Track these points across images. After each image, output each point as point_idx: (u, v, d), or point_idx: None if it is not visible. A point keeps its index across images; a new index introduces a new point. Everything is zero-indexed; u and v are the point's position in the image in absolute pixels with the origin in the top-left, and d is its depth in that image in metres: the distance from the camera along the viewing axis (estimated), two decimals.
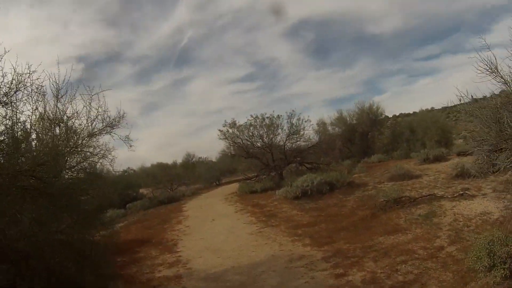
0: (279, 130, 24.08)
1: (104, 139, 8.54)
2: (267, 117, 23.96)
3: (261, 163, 24.30)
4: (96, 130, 8.18)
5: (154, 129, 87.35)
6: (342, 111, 30.11)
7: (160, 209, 22.26)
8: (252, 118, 23.97)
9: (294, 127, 23.98)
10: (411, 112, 49.43)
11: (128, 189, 29.61)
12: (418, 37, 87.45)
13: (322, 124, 27.71)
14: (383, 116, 29.95)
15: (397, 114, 53.53)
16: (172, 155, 71.59)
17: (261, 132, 24.05)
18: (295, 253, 9.91)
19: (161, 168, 36.74)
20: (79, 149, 7.90)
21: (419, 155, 19.32)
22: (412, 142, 25.31)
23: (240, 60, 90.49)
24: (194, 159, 42.89)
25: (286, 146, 24.27)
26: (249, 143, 24.27)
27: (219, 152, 37.53)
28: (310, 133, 24.68)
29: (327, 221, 12.78)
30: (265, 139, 24.03)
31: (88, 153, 8.35)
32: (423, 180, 15.32)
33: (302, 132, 24.06)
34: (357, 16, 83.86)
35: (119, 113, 8.38)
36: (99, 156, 8.60)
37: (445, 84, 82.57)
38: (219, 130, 24.12)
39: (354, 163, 24.20)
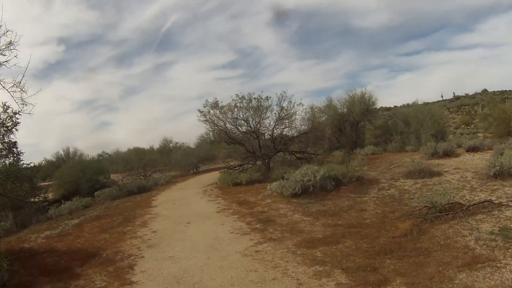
0: (268, 113, 19.61)
1: None
2: (255, 98, 19.44)
3: (245, 151, 19.71)
4: None
5: (134, 113, 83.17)
6: (332, 98, 26.11)
7: (127, 201, 17.25)
8: (237, 98, 19.31)
9: (284, 111, 19.43)
10: (392, 106, 46.90)
11: (98, 174, 25.00)
12: (402, 33, 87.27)
13: (312, 111, 23.14)
14: (375, 106, 25.79)
15: (378, 108, 50.38)
16: (151, 140, 67.21)
17: (247, 114, 19.57)
18: None
19: (137, 153, 32.03)
20: None
21: (426, 149, 15.57)
22: (405, 135, 21.74)
23: (223, 47, 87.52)
24: (171, 144, 38.63)
25: (274, 132, 19.78)
26: (232, 126, 19.78)
27: (198, 138, 33.55)
28: (299, 119, 20.30)
29: (352, 235, 8.34)
30: (252, 123, 19.50)
31: None
32: (449, 179, 11.43)
33: (293, 117, 19.64)
34: (343, 9, 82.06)
35: None
36: None
37: (425, 80, 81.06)
38: (199, 110, 19.45)
39: (345, 154, 20.12)
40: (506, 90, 49.42)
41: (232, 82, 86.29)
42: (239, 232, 9.54)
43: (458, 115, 39.10)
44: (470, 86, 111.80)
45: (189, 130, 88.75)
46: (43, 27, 73.79)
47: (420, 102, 27.07)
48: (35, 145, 64.09)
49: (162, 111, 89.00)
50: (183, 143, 38.69)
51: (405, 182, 11.99)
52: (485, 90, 52.86)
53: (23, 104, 4.50)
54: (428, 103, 29.02)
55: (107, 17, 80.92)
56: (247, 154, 19.77)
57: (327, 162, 16.77)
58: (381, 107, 51.61)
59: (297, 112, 19.65)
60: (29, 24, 70.09)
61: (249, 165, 19.60)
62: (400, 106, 43.14)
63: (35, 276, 7.91)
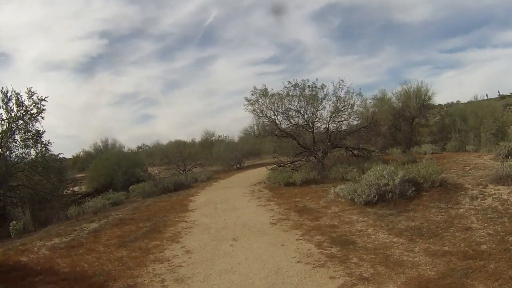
0: (324, 103, 16.24)
1: None
2: (308, 86, 16.10)
3: (297, 145, 16.31)
4: None
5: (175, 107, 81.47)
6: (386, 91, 22.92)
7: (161, 200, 14.24)
8: (290, 85, 16.05)
9: (342, 102, 15.99)
10: (436, 104, 43.28)
11: (135, 167, 22.36)
12: (445, 29, 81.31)
13: (367, 104, 19.76)
14: (431, 101, 22.28)
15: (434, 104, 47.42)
16: (192, 134, 64.72)
17: (300, 105, 16.16)
18: None
19: (177, 145, 29.27)
20: None
21: (499, 149, 13.02)
22: (463, 133, 18.88)
23: (264, 42, 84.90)
24: (213, 138, 35.68)
25: (330, 125, 16.36)
26: (283, 118, 16.48)
27: (242, 131, 30.61)
28: (356, 111, 17.02)
29: (478, 274, 5.11)
30: (305, 115, 16.07)
31: None
32: None
33: (353, 109, 16.43)
34: (385, 3, 76.90)
35: None
36: None
37: (469, 78, 76.38)
38: (246, 98, 16.25)
39: (404, 153, 17.43)
40: None
41: (274, 77, 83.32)
42: (309, 261, 6.19)
43: (504, 115, 35.59)
44: None
45: (230, 125, 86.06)
46: (84, 21, 72.49)
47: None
48: (76, 136, 63.16)
49: (203, 105, 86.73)
50: (226, 137, 35.63)
51: (498, 190, 8.82)
52: None
53: None
54: (473, 102, 25.81)
55: (147, 11, 79.12)
56: (300, 150, 16.45)
57: (391, 161, 13.76)
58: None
59: (356, 104, 16.34)
60: (70, 19, 69.19)
61: (302, 162, 16.29)
62: (445, 104, 39.98)
63: None
